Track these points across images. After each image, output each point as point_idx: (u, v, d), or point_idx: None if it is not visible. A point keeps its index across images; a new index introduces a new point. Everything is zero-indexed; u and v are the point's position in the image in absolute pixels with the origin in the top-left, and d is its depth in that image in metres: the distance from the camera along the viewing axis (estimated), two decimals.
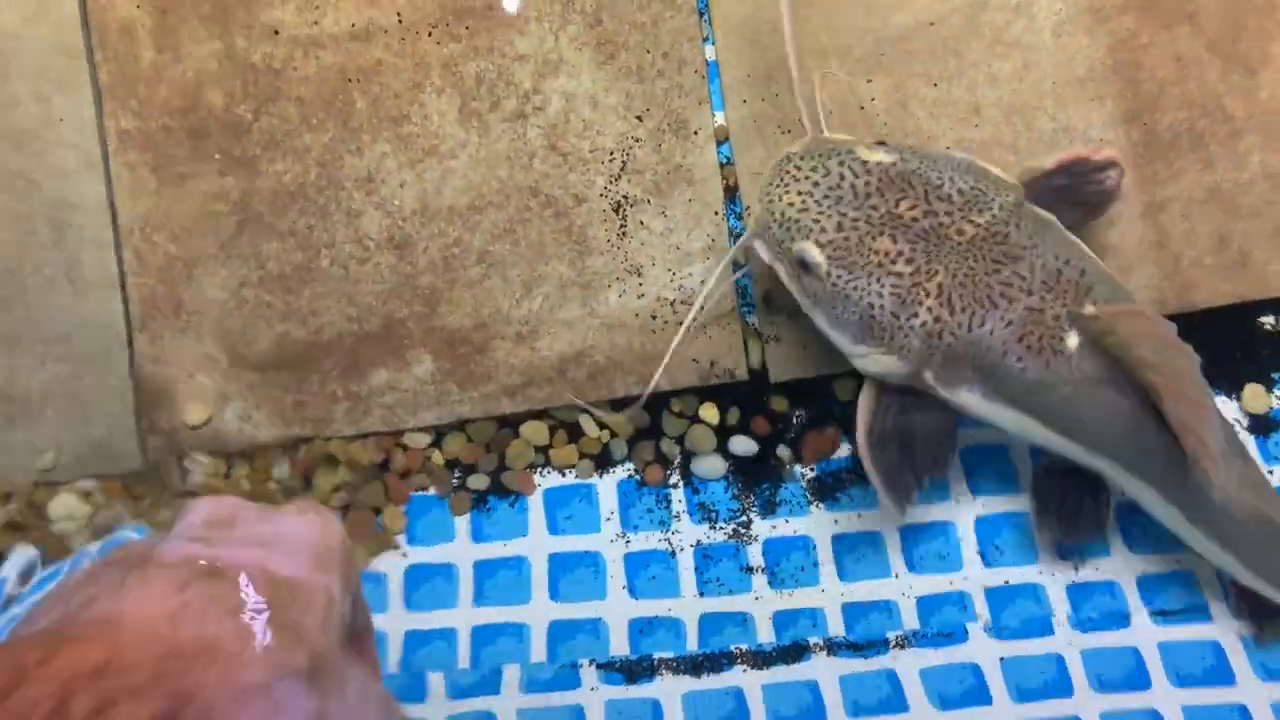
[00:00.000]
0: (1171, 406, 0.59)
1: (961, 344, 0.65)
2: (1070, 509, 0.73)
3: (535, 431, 0.82)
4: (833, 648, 0.75)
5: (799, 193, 0.67)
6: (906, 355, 0.67)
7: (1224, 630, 0.73)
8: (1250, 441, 0.76)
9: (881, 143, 0.68)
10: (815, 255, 0.67)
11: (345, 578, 0.47)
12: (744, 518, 0.80)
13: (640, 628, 0.77)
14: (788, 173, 0.67)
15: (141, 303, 0.82)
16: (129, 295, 0.82)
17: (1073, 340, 0.64)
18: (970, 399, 0.68)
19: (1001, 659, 0.73)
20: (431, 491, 0.80)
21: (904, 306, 0.65)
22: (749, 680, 0.75)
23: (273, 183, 0.81)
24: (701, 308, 0.77)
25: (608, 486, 0.81)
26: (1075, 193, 0.72)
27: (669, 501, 0.80)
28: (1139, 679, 0.72)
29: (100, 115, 0.82)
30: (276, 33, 0.82)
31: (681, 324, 0.78)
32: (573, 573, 0.78)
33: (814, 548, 0.78)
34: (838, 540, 0.78)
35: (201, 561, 0.42)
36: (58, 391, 0.82)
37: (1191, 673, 0.72)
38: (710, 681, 0.76)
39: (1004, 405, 0.68)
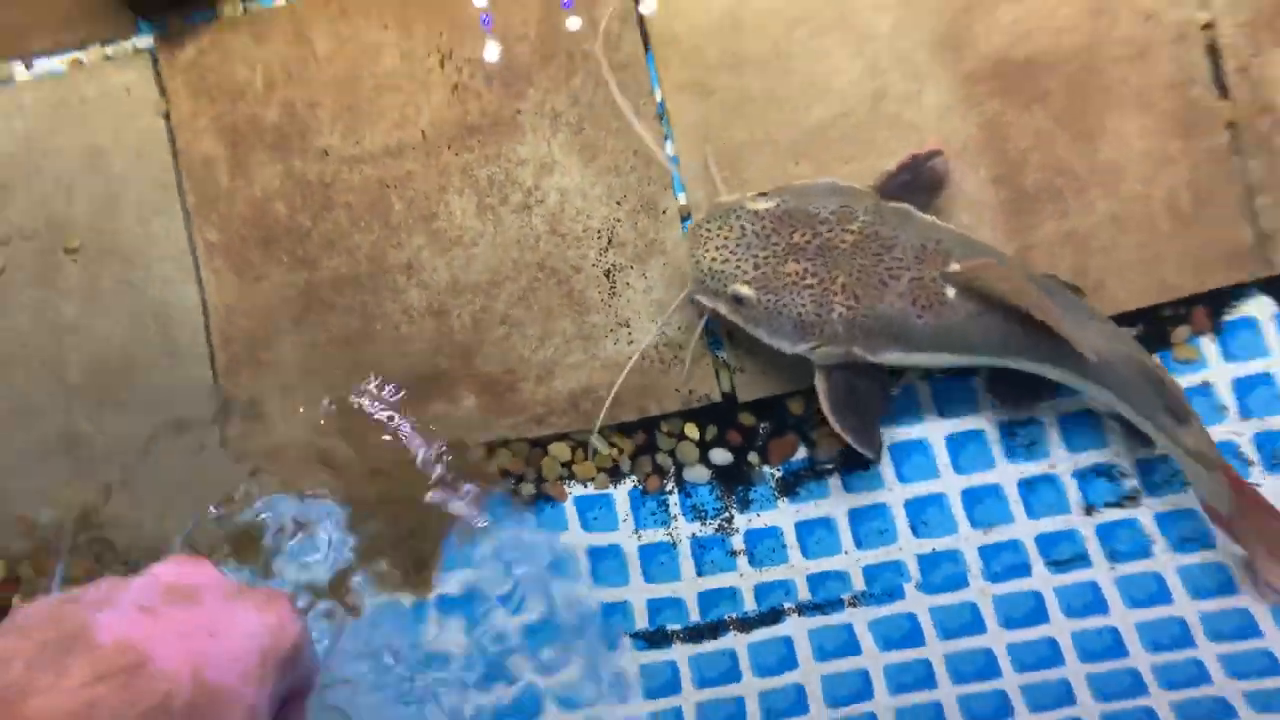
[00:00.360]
0: (1034, 311, 0.81)
1: (872, 320, 0.86)
2: (1020, 391, 0.93)
3: (560, 450, 1.02)
4: (802, 610, 0.96)
5: (717, 248, 0.88)
6: (836, 341, 0.87)
7: (1101, 572, 0.93)
8: (1117, 427, 0.95)
9: (763, 193, 0.89)
10: (745, 291, 0.87)
11: (276, 689, 0.46)
12: (727, 514, 1.00)
13: (656, 607, 0.98)
14: (703, 236, 0.88)
15: (228, 374, 1.02)
16: (217, 369, 1.03)
17: (950, 292, 0.85)
18: (894, 356, 0.88)
19: (931, 608, 0.94)
20: (497, 493, 1.01)
21: (822, 308, 0.86)
22: (738, 642, 0.96)
23: (331, 274, 1.02)
24: (684, 346, 0.98)
25: (621, 494, 1.01)
26: (916, 182, 0.92)
27: (667, 505, 1.00)
28: (1038, 616, 0.93)
29: (190, 231, 1.03)
30: (326, 153, 1.02)
31: (661, 361, 0.99)
32: (604, 562, 0.99)
33: (782, 533, 0.99)
34: (800, 526, 0.99)
35: (130, 652, 0.41)
36: (169, 466, 1.03)
37: (1077, 607, 0.92)
38: (709, 645, 0.96)
39: (919, 352, 0.88)
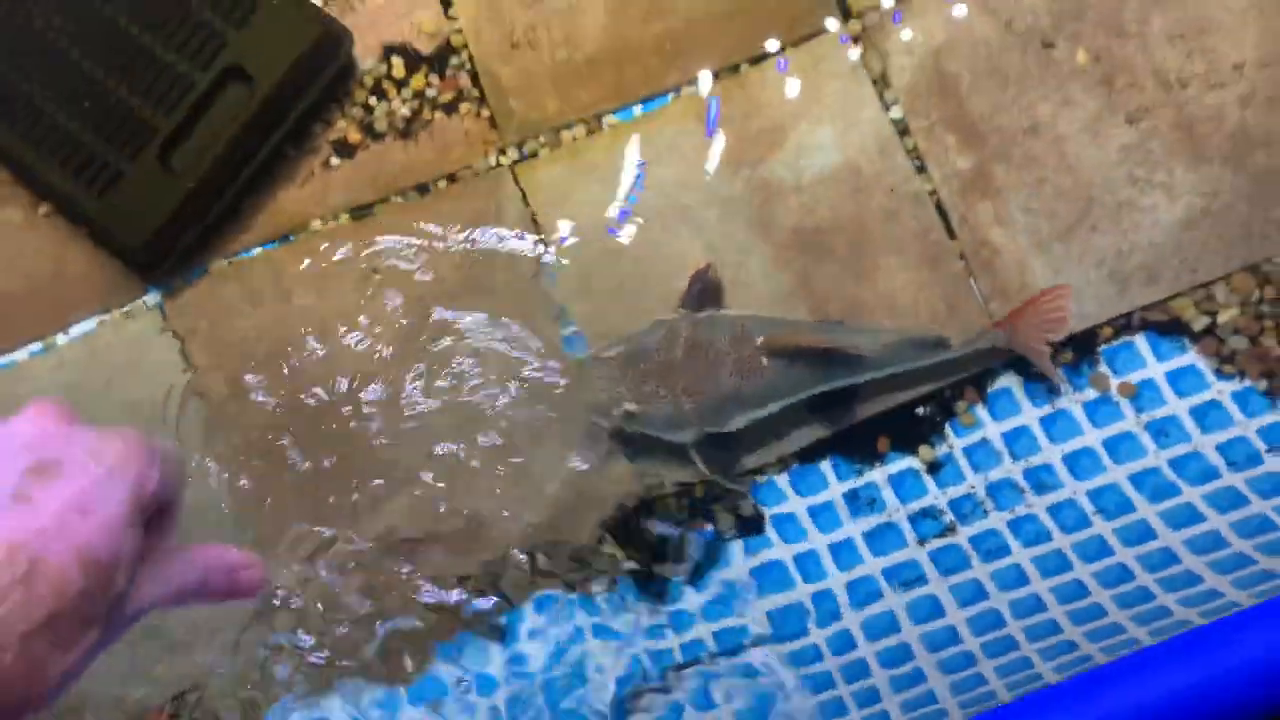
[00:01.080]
0: (824, 349, 1.17)
1: (716, 402, 1.20)
2: (836, 407, 1.27)
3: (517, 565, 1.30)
4: (708, 658, 1.25)
5: (599, 383, 1.23)
6: (698, 424, 1.22)
7: (936, 586, 1.25)
8: (930, 479, 1.30)
9: (608, 344, 1.24)
10: (632, 407, 1.21)
11: (139, 535, 0.44)
12: (651, 603, 1.28)
13: (616, 674, 1.26)
14: (589, 379, 1.23)
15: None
16: None
17: (763, 360, 1.20)
18: (741, 420, 1.23)
19: (825, 639, 1.24)
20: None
21: (680, 404, 1.20)
22: (672, 696, 1.25)
23: (312, 465, 1.30)
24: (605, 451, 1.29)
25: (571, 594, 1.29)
26: (707, 290, 1.28)
27: (599, 603, 1.28)
28: (894, 627, 1.24)
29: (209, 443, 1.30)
30: (296, 365, 1.32)
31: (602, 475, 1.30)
32: (574, 644, 1.27)
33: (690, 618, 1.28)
34: (706, 605, 1.28)
35: (19, 556, 0.38)
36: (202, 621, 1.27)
37: (922, 615, 1.24)
38: (659, 698, 1.24)
39: (758, 409, 1.22)
